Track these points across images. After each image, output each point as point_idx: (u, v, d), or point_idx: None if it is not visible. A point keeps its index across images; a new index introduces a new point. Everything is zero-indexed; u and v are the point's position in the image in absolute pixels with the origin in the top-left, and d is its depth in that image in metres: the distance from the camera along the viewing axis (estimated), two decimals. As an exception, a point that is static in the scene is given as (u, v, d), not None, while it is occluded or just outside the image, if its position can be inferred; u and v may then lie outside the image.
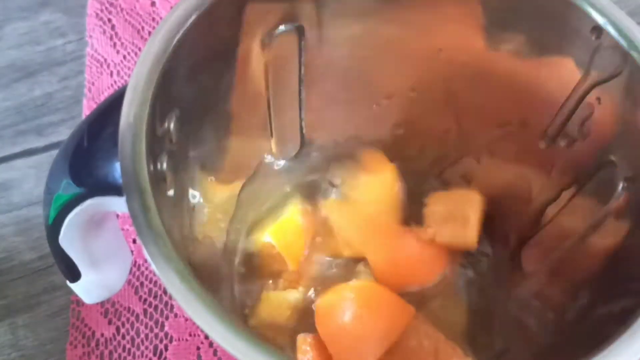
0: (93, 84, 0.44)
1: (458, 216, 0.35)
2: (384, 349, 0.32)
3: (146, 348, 0.36)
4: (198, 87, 0.27)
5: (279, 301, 0.34)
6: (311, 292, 0.35)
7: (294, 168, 0.38)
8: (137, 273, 0.38)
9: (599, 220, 0.28)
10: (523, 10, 0.28)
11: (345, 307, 0.32)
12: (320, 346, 0.32)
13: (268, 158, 0.37)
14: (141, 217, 0.21)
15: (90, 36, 0.46)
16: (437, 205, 0.36)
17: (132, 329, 0.36)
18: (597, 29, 0.26)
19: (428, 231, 0.35)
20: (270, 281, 0.35)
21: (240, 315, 0.34)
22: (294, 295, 0.35)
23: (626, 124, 0.27)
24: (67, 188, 0.24)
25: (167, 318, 0.36)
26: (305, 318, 0.34)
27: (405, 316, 0.34)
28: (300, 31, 0.30)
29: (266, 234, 0.36)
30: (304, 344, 0.33)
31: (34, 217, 0.40)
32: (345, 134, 0.38)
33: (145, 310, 0.37)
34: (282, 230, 0.35)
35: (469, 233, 0.34)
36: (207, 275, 0.32)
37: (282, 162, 0.37)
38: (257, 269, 0.36)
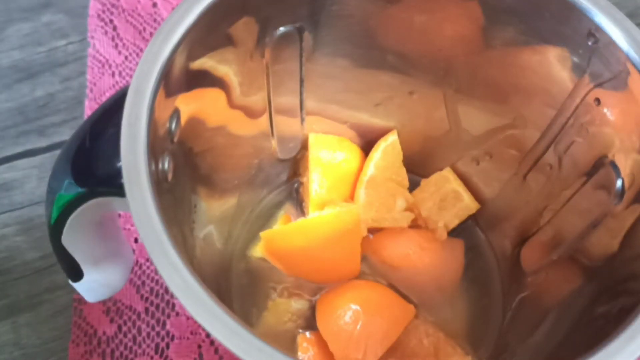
0: (95, 84, 0.44)
1: (448, 197, 0.37)
2: (386, 347, 0.32)
3: (148, 346, 0.36)
4: (199, 87, 0.27)
5: (285, 309, 0.35)
6: (316, 298, 0.35)
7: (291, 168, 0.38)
8: (139, 272, 0.38)
9: (598, 220, 0.28)
10: (521, 11, 0.28)
11: (347, 306, 0.32)
12: (321, 344, 0.33)
13: (269, 158, 0.37)
14: (143, 217, 0.21)
15: (92, 37, 0.46)
16: (425, 202, 0.36)
17: (134, 327, 0.36)
18: (593, 34, 0.26)
19: (439, 231, 0.36)
20: (274, 289, 0.36)
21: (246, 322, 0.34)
22: (300, 303, 0.35)
23: (624, 125, 0.27)
24: (69, 188, 0.24)
25: (168, 316, 0.36)
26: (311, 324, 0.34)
27: (405, 315, 0.34)
28: (300, 32, 0.30)
29: (258, 250, 0.36)
30: (305, 341, 0.33)
31: (36, 217, 0.40)
32: (345, 134, 0.38)
33: (147, 309, 0.37)
34: (272, 244, 0.35)
35: (466, 202, 0.37)
36: (208, 274, 0.33)
37: (282, 162, 0.38)
38: (258, 277, 0.36)
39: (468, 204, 0.37)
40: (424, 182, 0.37)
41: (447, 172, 0.37)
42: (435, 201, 0.36)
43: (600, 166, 0.28)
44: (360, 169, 0.37)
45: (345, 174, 0.36)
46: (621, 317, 0.22)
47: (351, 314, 0.32)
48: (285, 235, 0.34)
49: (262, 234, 0.34)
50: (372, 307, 0.33)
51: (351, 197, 0.36)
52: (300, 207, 0.38)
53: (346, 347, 0.32)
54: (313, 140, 0.36)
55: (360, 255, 0.35)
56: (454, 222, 0.37)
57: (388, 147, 0.36)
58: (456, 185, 0.37)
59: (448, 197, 0.37)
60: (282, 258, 0.35)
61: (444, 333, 0.34)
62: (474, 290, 0.36)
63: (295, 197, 0.38)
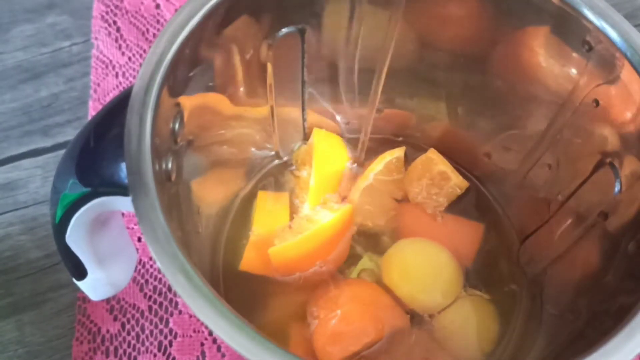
0: (99, 85, 0.45)
1: (435, 178, 0.36)
2: (360, 345, 0.32)
3: (151, 344, 0.36)
4: (202, 88, 0.28)
5: (285, 306, 0.35)
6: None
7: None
8: (142, 271, 0.38)
9: (597, 220, 0.28)
10: (521, 12, 0.28)
11: (333, 302, 0.33)
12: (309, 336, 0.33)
13: (270, 157, 0.37)
14: (146, 216, 0.21)
15: (96, 38, 0.46)
16: (414, 184, 0.36)
17: (137, 325, 0.37)
18: (588, 42, 0.26)
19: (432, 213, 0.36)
20: (273, 286, 0.36)
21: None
22: (299, 299, 0.35)
23: (623, 126, 0.27)
24: (73, 188, 0.25)
25: (171, 315, 0.37)
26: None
27: (393, 320, 0.33)
28: (302, 33, 0.30)
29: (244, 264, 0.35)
30: (296, 331, 0.33)
31: (40, 216, 0.40)
32: (346, 134, 0.38)
33: (150, 307, 0.37)
34: (279, 258, 0.34)
35: (454, 181, 0.36)
36: (210, 273, 0.33)
37: (283, 161, 0.38)
38: (257, 276, 0.36)
39: (457, 184, 0.36)
40: (410, 167, 0.37)
41: (432, 153, 0.37)
42: (423, 183, 0.36)
43: (598, 167, 0.28)
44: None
45: (341, 171, 0.37)
46: (620, 316, 0.22)
47: (335, 310, 0.32)
48: (294, 249, 0.34)
49: (270, 251, 0.33)
50: (355, 305, 0.33)
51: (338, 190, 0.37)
52: (289, 195, 0.37)
53: (324, 339, 0.32)
54: (316, 135, 0.36)
55: (349, 246, 0.35)
56: (444, 203, 0.36)
57: (392, 161, 0.36)
58: (442, 165, 0.36)
59: (436, 178, 0.36)
60: (282, 267, 0.35)
61: (436, 343, 0.34)
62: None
63: (287, 186, 0.38)
